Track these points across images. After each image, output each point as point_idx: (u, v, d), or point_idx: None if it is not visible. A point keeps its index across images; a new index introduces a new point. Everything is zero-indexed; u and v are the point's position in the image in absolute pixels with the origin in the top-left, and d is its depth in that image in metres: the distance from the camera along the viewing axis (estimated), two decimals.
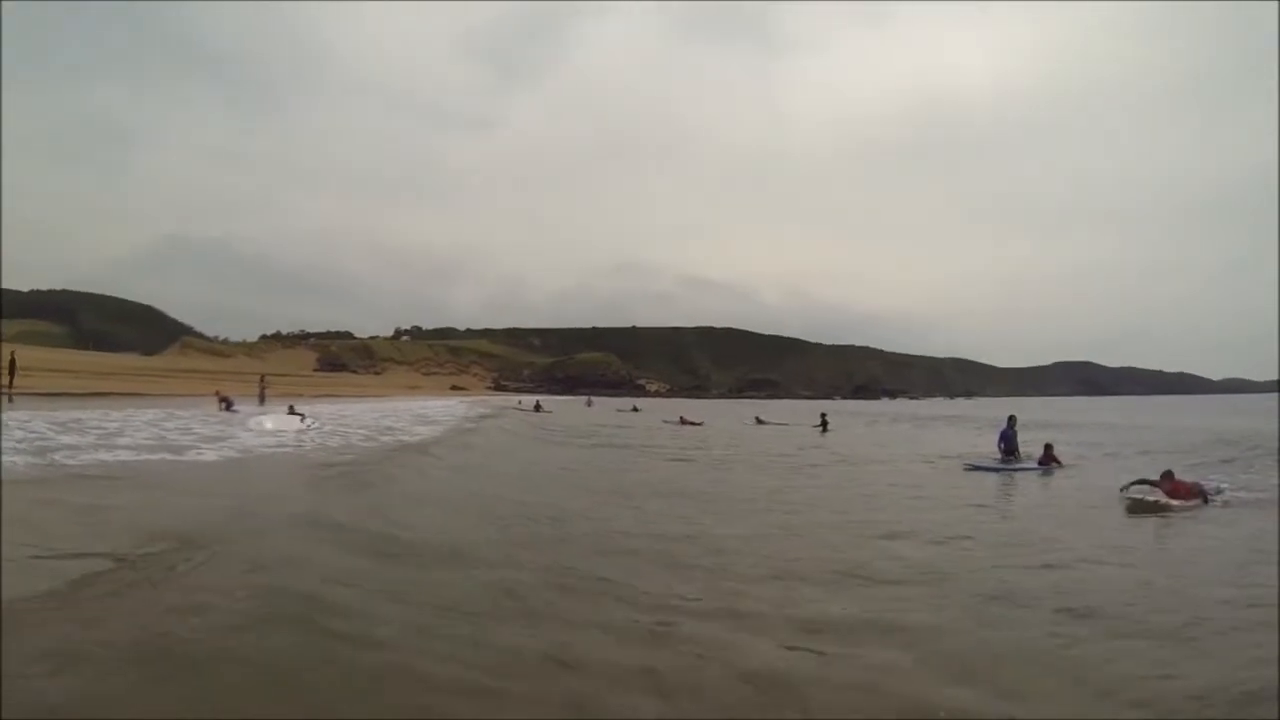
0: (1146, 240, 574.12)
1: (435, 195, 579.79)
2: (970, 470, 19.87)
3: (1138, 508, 12.60)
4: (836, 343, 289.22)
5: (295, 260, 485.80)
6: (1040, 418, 38.54)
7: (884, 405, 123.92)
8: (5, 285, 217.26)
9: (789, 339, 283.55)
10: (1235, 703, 4.65)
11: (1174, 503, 12.54)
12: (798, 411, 69.85)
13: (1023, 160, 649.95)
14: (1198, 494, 13.23)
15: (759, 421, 48.16)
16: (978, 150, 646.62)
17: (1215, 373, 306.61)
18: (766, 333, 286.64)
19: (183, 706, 3.96)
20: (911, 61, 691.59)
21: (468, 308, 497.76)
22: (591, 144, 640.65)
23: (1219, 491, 13.91)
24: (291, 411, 25.91)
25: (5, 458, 12.34)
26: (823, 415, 43.08)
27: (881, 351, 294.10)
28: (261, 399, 38.71)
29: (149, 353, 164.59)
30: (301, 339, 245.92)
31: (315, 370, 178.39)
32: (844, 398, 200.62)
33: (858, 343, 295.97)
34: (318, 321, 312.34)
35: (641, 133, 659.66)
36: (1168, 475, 13.33)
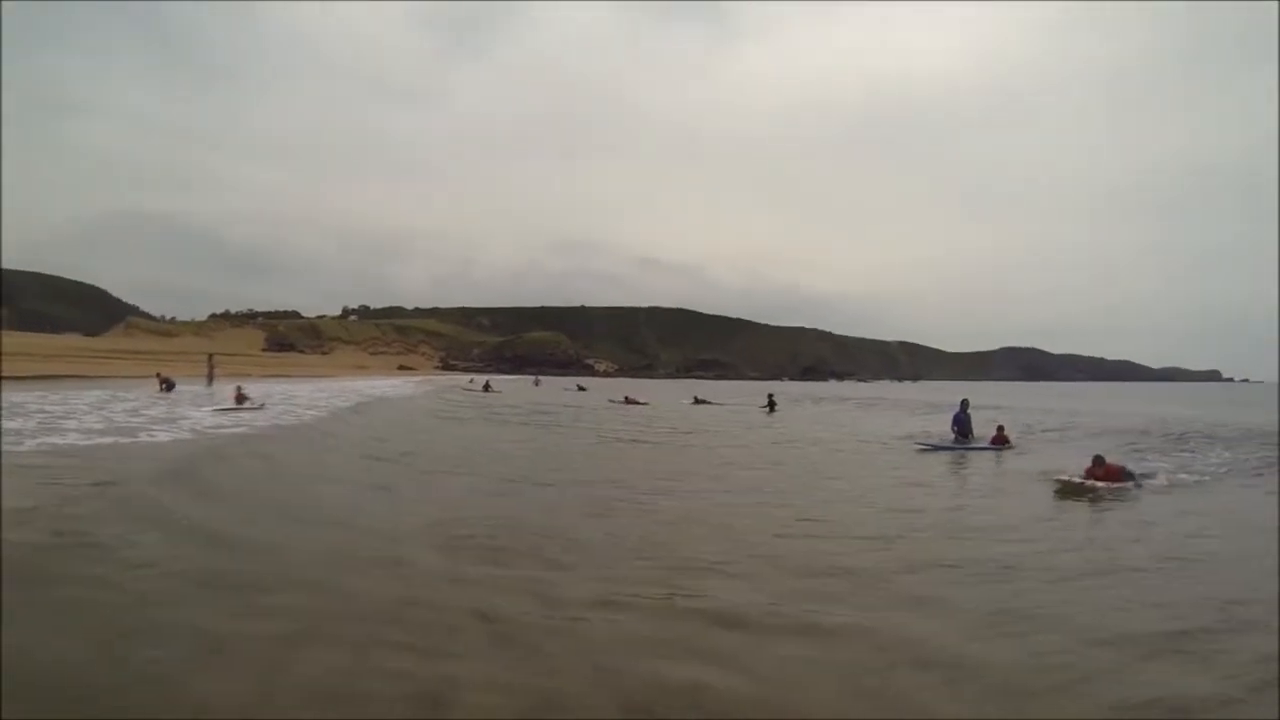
0: (1094, 231, 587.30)
1: (385, 171, 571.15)
2: (923, 451, 20.49)
3: (1067, 490, 13.08)
4: (786, 324, 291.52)
5: (244, 237, 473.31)
6: (990, 401, 39.58)
7: (831, 387, 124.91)
8: None
9: (737, 319, 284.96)
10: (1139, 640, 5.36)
11: (1099, 485, 13.01)
12: (744, 391, 70.72)
13: (975, 150, 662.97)
14: (1127, 477, 13.79)
15: (696, 401, 48.63)
16: (932, 138, 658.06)
17: (1154, 361, 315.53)
18: (716, 313, 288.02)
19: None
20: (868, 50, 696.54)
21: (416, 286, 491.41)
22: (543, 121, 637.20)
23: (1151, 475, 14.60)
24: (240, 395, 25.88)
25: None
26: (769, 396, 43.71)
27: (830, 334, 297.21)
28: (210, 379, 38.23)
29: (91, 333, 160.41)
30: (249, 318, 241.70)
31: (263, 350, 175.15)
32: (791, 379, 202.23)
33: (807, 325, 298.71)
34: (266, 300, 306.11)
35: (595, 112, 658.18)
36: (1099, 460, 13.82)
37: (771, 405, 41.08)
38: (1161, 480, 14.44)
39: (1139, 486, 13.71)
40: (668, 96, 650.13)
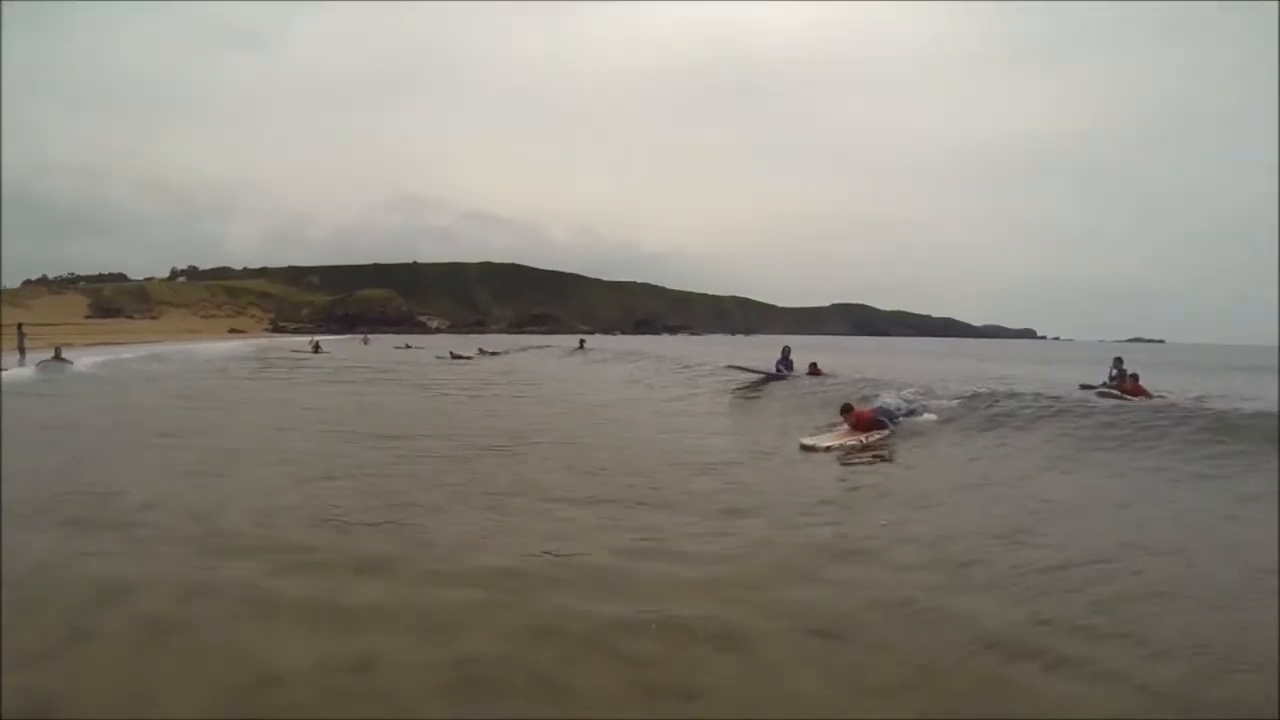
0: (922, 193, 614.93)
1: (212, 121, 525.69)
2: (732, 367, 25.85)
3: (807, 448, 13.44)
4: (621, 279, 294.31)
5: (60, 193, 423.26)
6: (821, 357, 42.89)
7: (663, 341, 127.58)
8: None
9: (570, 275, 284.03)
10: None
11: (834, 443, 13.39)
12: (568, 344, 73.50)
13: (811, 111, 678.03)
14: (877, 424, 14.25)
15: (481, 352, 54.33)
16: (772, 103, 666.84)
17: (976, 319, 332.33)
18: (548, 268, 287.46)
19: None
20: (713, 11, 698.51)
21: (246, 245, 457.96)
22: (381, 74, 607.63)
23: (897, 419, 14.85)
24: (58, 356, 26.34)
25: None
26: (581, 340, 51.25)
27: (664, 288, 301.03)
28: (22, 351, 35.69)
29: None
30: (70, 283, 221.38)
31: (88, 317, 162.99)
32: (625, 333, 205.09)
33: (641, 280, 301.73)
34: (88, 263, 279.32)
35: (433, 66, 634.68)
36: (847, 409, 14.38)
37: (582, 344, 48.99)
38: (917, 423, 15.03)
39: (890, 431, 14.28)
40: (508, 53, 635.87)
